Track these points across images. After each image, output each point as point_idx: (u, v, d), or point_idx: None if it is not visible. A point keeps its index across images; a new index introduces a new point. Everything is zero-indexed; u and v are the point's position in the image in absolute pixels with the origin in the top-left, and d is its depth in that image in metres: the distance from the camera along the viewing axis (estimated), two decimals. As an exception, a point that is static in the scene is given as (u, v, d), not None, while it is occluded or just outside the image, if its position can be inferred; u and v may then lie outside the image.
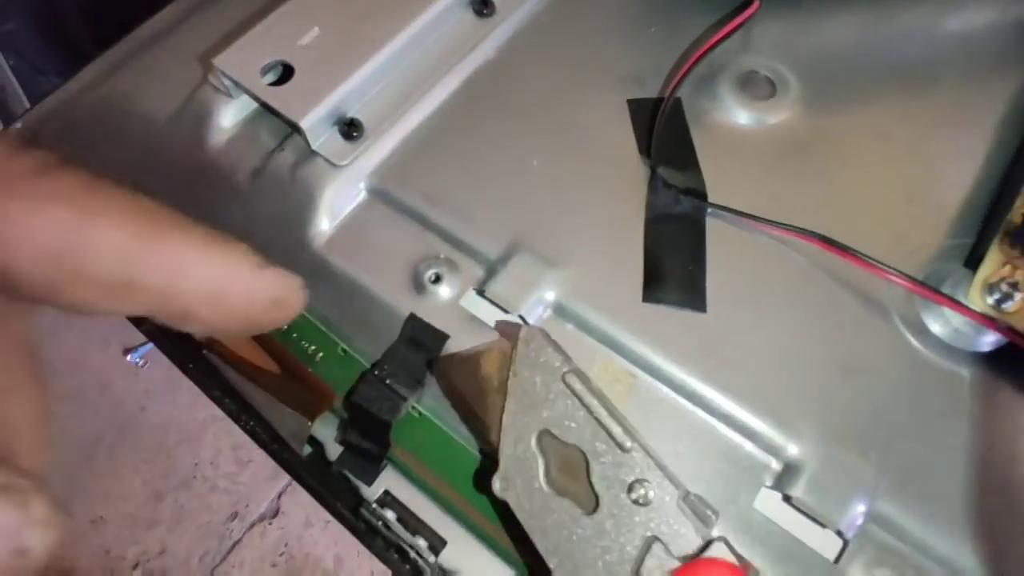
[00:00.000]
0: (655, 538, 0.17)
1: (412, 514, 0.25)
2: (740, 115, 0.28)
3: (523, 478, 0.19)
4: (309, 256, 0.27)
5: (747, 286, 0.25)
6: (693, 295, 0.24)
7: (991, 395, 0.22)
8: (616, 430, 0.18)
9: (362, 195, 0.28)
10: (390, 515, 0.25)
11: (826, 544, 0.21)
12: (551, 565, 0.18)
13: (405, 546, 0.24)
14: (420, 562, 0.24)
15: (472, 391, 0.21)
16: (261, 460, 1.16)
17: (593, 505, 0.18)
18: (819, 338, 0.24)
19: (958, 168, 0.27)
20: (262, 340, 0.26)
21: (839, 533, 0.21)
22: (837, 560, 0.21)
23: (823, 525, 0.21)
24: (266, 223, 0.28)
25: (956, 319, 0.23)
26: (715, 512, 0.17)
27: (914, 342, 0.23)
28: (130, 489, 1.14)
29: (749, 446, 0.22)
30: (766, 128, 0.28)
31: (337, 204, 0.27)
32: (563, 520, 0.18)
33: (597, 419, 0.18)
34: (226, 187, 0.29)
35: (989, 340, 0.23)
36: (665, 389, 0.23)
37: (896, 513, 0.21)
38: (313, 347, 0.26)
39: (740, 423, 0.23)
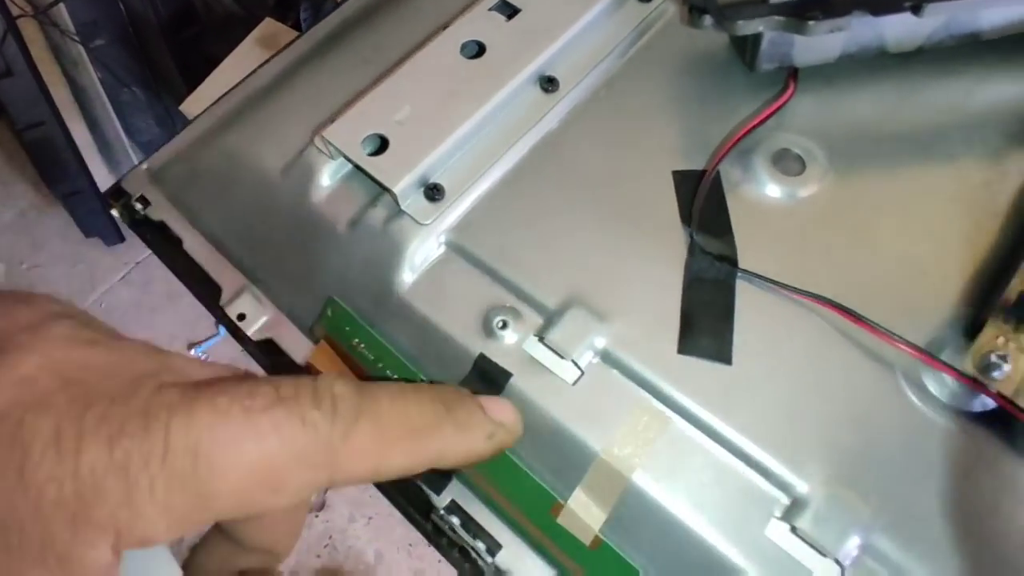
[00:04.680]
0: None
1: (474, 521, 0.29)
2: (772, 189, 0.32)
3: None
4: (395, 299, 0.32)
5: (769, 343, 0.28)
6: (721, 349, 0.28)
7: (980, 451, 0.26)
8: None
9: (441, 249, 0.32)
10: (455, 520, 0.29)
11: (826, 571, 0.25)
12: None
13: (467, 547, 0.29)
14: (480, 562, 0.29)
15: None
16: (311, 456, 1.22)
17: None
18: (830, 391, 0.27)
19: (969, 243, 0.30)
20: (356, 371, 0.31)
21: (837, 561, 0.24)
22: (834, 585, 0.24)
23: (823, 554, 0.24)
24: (359, 267, 0.33)
25: (953, 383, 0.26)
26: None
27: (915, 400, 0.27)
28: (190, 476, 1.22)
29: (763, 482, 0.26)
30: (795, 201, 0.32)
31: (420, 256, 0.32)
32: None
33: None
34: (327, 234, 0.34)
35: (981, 402, 0.26)
36: (693, 429, 0.27)
37: (888, 548, 0.25)
38: (396, 376, 0.31)
39: (757, 461, 0.27)
